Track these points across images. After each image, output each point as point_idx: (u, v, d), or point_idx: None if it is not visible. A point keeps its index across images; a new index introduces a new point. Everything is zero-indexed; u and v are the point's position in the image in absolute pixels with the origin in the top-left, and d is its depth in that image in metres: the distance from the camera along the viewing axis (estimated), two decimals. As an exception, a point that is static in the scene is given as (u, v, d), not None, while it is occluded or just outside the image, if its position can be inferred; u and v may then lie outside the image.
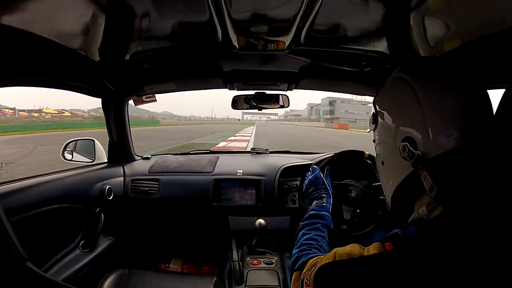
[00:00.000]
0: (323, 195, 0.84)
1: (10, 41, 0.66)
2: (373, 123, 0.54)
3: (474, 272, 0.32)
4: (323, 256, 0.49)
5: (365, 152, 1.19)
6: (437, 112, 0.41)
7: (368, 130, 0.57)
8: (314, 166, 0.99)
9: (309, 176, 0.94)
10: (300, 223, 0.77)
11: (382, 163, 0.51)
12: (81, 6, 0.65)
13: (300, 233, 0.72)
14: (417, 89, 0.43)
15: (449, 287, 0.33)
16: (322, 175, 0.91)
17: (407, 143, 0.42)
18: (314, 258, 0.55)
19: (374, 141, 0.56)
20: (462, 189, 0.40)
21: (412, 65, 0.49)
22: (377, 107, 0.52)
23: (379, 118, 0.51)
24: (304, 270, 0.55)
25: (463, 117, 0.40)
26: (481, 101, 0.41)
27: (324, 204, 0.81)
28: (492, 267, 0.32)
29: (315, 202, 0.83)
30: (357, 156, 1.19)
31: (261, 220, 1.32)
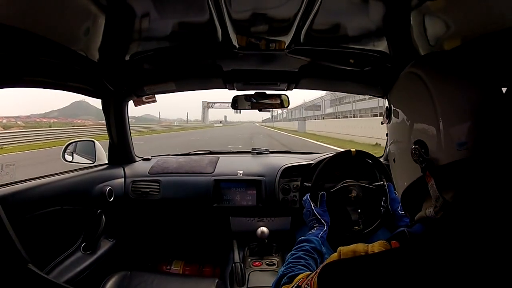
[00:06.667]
0: (315, 225, 0.90)
1: (9, 42, 0.66)
2: (386, 117, 0.53)
3: (479, 271, 0.32)
4: (313, 273, 0.48)
5: (352, 150, 1.18)
6: (450, 108, 0.40)
7: (382, 122, 0.57)
8: (304, 198, 0.99)
9: (306, 206, 0.96)
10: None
11: (394, 160, 0.51)
12: (81, 6, 0.65)
13: (288, 255, 0.73)
14: (429, 85, 0.42)
15: (454, 285, 0.33)
16: (312, 205, 0.95)
17: (418, 146, 0.42)
18: (303, 274, 0.54)
19: (387, 134, 0.56)
20: (466, 196, 0.39)
21: (425, 60, 0.48)
22: (391, 102, 0.52)
23: (392, 113, 0.51)
24: (292, 285, 0.53)
25: (477, 115, 0.39)
26: (493, 96, 0.41)
27: (313, 231, 0.86)
28: (496, 266, 0.32)
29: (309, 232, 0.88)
30: (346, 156, 1.19)
31: (263, 228, 1.30)
